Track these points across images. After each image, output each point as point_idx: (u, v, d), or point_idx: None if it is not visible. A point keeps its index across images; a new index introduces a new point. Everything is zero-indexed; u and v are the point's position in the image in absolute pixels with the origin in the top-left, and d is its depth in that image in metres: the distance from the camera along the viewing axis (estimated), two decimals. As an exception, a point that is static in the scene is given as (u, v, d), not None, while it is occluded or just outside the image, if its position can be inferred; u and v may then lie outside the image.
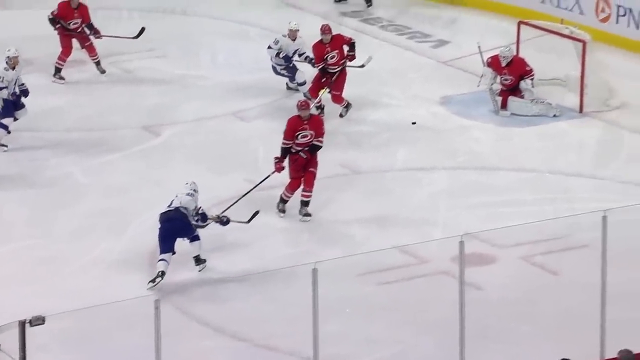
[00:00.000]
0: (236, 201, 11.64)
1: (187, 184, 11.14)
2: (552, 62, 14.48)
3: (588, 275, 9.35)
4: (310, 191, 11.87)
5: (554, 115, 14.30)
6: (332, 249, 11.16)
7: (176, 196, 11.02)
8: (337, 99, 14.25)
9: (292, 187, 11.93)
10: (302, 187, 11.89)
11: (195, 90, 15.33)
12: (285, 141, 11.87)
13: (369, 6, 18.36)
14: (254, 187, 11.92)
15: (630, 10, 16.16)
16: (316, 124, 11.94)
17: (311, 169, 11.83)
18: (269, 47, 14.62)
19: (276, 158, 11.87)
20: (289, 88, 14.87)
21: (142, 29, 15.75)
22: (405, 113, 14.47)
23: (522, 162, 13.20)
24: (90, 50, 15.48)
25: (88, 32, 15.35)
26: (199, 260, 11.01)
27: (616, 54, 15.64)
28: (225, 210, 11.34)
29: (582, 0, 16.66)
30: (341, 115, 14.29)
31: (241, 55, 16.55)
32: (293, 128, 11.84)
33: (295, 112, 12.02)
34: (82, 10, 15.35)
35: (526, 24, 15.05)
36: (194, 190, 11.05)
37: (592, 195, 12.26)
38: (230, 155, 13.38)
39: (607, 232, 9.04)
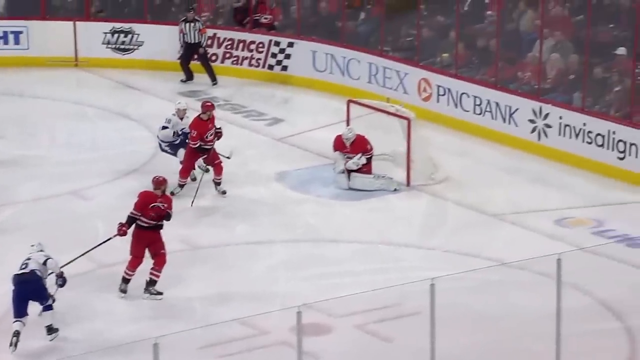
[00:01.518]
0: (74, 259, 11.85)
1: (33, 245, 11.25)
2: (380, 139, 14.97)
3: (419, 341, 9.84)
4: (160, 271, 12.06)
5: (395, 190, 14.78)
6: (174, 324, 11.30)
7: (29, 258, 11.09)
8: (218, 167, 14.54)
9: (133, 265, 12.08)
10: (152, 265, 12.08)
11: (34, 170, 15.38)
12: (134, 212, 12.06)
13: (214, 84, 18.81)
14: (94, 248, 12.14)
15: (449, 90, 17.02)
16: (168, 200, 12.24)
17: (162, 251, 12.06)
18: (165, 127, 14.81)
19: (120, 223, 12.08)
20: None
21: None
22: (243, 190, 14.82)
23: (356, 234, 13.65)
24: None
25: None
26: (50, 330, 11.07)
27: (438, 130, 16.36)
28: (62, 266, 11.43)
29: (406, 80, 17.49)
30: (224, 193, 14.59)
31: (80, 134, 16.72)
32: (146, 202, 12.08)
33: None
34: None
35: (355, 102, 15.59)
36: (43, 249, 11.19)
37: (421, 264, 12.74)
38: (70, 233, 13.40)
39: (435, 299, 9.58)
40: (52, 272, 11.20)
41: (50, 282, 11.27)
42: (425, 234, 13.78)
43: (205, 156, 14.48)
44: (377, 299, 11.35)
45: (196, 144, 14.42)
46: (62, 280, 11.24)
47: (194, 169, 14.66)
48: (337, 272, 12.64)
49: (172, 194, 14.34)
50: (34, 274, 10.98)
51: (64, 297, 11.46)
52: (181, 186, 14.55)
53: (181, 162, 14.70)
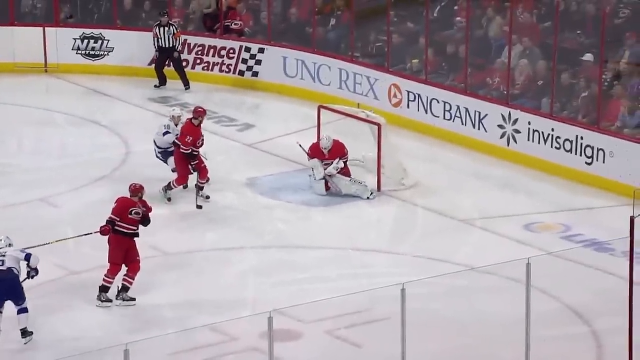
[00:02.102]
0: (46, 243, 11.92)
1: (0, 239, 11.17)
2: (350, 144, 15.01)
3: (389, 347, 9.89)
4: (134, 278, 12.07)
5: (368, 197, 14.77)
6: (144, 330, 11.36)
7: (3, 255, 11.01)
8: (204, 171, 14.55)
9: (113, 272, 12.06)
10: (126, 272, 12.08)
11: (2, 177, 15.32)
12: (112, 216, 12.05)
13: (187, 89, 18.81)
14: (71, 237, 12.27)
15: (419, 96, 17.11)
16: (146, 205, 12.27)
17: (137, 258, 12.08)
18: (168, 132, 14.73)
19: (103, 225, 12.08)
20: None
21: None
22: (213, 196, 14.76)
23: (326, 240, 13.69)
24: None
25: None
26: (25, 333, 11.05)
27: (408, 136, 16.46)
28: (32, 247, 11.48)
29: (376, 86, 17.56)
30: (207, 197, 14.56)
31: (49, 141, 16.68)
32: (124, 207, 12.10)
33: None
34: None
35: (325, 108, 15.65)
36: (11, 243, 11.14)
37: (391, 269, 12.79)
38: (40, 240, 13.31)
39: (405, 304, 9.65)
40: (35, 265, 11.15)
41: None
42: (395, 240, 13.84)
43: (197, 161, 14.48)
44: (347, 305, 11.39)
45: (188, 149, 14.40)
46: (35, 272, 11.16)
47: (191, 173, 14.60)
48: (308, 278, 12.69)
49: (169, 199, 14.44)
50: (10, 272, 10.91)
51: (35, 303, 11.42)
52: (170, 189, 14.52)
53: (173, 170, 14.69)
